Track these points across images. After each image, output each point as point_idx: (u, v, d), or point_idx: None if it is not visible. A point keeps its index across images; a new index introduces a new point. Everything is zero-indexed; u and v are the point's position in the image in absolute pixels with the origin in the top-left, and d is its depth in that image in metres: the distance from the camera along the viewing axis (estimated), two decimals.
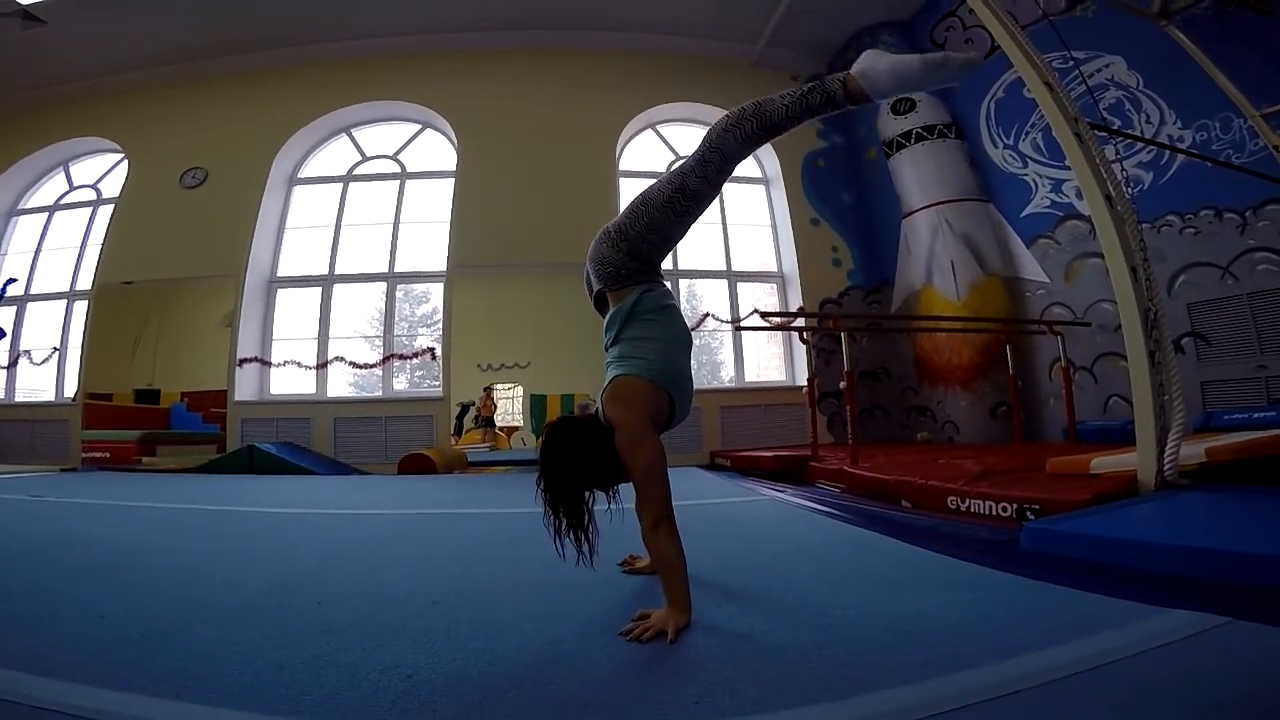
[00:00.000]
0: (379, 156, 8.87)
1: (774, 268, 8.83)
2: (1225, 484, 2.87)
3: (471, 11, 8.30)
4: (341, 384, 8.46)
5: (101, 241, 8.26)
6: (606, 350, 1.66)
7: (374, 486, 5.21)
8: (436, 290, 8.34)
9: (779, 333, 7.82)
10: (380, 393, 8.21)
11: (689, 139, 9.08)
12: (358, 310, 8.88)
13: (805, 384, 5.92)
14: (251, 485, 5.11)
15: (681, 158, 8.91)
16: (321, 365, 7.99)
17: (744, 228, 8.93)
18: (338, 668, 1.18)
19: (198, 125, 8.60)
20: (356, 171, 8.84)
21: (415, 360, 9.01)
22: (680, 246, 1.87)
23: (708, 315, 8.45)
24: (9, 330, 8.51)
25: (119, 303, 8.23)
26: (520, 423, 12.19)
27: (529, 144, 8.29)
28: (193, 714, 1.01)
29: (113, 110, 8.79)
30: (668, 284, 1.74)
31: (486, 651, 1.26)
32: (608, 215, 1.81)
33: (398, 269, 8.35)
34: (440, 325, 7.94)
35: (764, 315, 6.12)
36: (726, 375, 9.29)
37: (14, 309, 8.61)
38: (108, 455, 7.40)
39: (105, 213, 8.54)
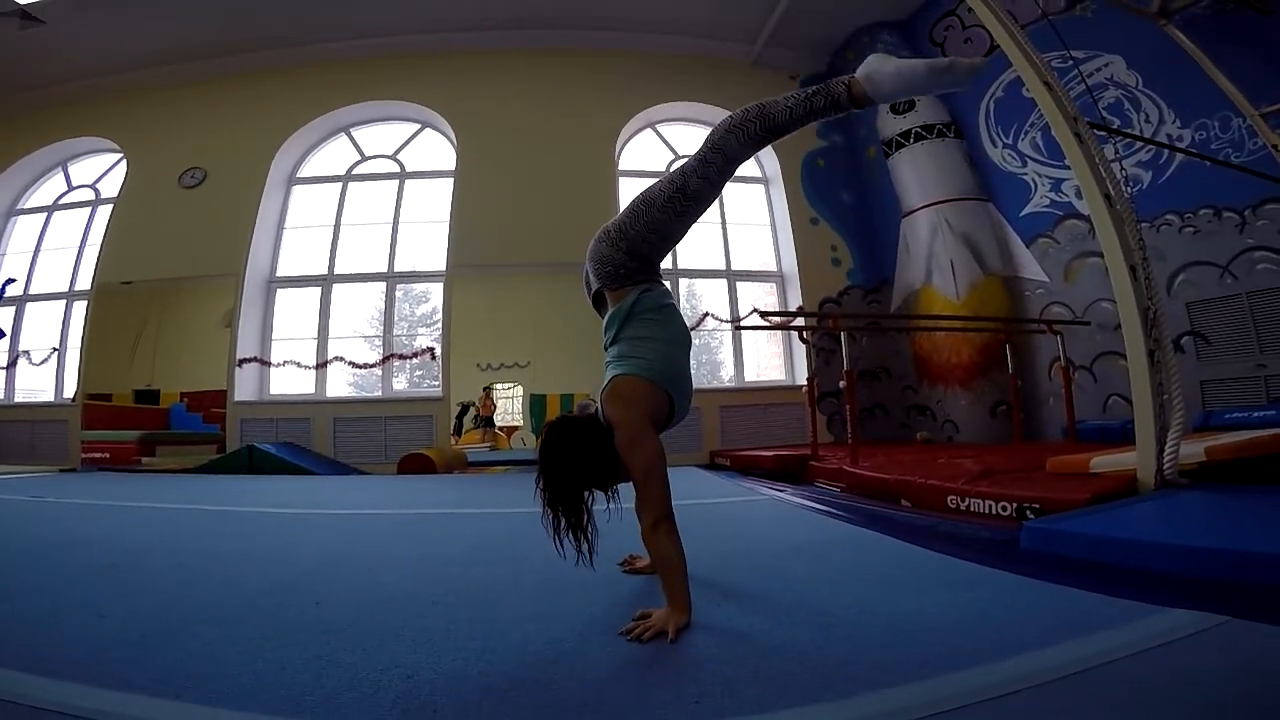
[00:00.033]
0: (378, 156, 8.86)
1: (773, 267, 8.83)
2: (1225, 483, 2.88)
3: (471, 11, 8.29)
4: (341, 384, 8.47)
5: (100, 241, 8.25)
6: (606, 350, 1.66)
7: (374, 486, 5.21)
8: (436, 290, 8.34)
9: (778, 332, 7.82)
10: (380, 393, 8.20)
11: (688, 138, 9.08)
12: (357, 310, 8.88)
13: (805, 383, 5.93)
14: (251, 485, 5.11)
15: (681, 157, 8.93)
16: (321, 365, 7.99)
17: (743, 227, 8.93)
18: (338, 668, 1.18)
19: (197, 125, 8.59)
20: (356, 171, 8.83)
21: (415, 360, 9.01)
22: (680, 246, 1.87)
23: (707, 315, 8.45)
24: (8, 330, 8.50)
25: (118, 303, 8.22)
26: (520, 422, 12.19)
27: (528, 143, 8.29)
28: (193, 714, 1.01)
29: (111, 110, 8.78)
30: (667, 284, 1.74)
31: (487, 651, 1.26)
32: (607, 215, 1.81)
33: (397, 269, 8.35)
34: (440, 325, 7.93)
35: (764, 315, 6.12)
36: (726, 375, 9.30)
37: (13, 309, 8.60)
38: (107, 456, 7.40)
39: (104, 213, 8.53)
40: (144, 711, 1.02)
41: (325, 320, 8.17)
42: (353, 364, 8.16)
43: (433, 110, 8.54)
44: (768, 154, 8.77)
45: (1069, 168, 3.96)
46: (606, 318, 1.68)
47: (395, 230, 8.42)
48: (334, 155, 8.95)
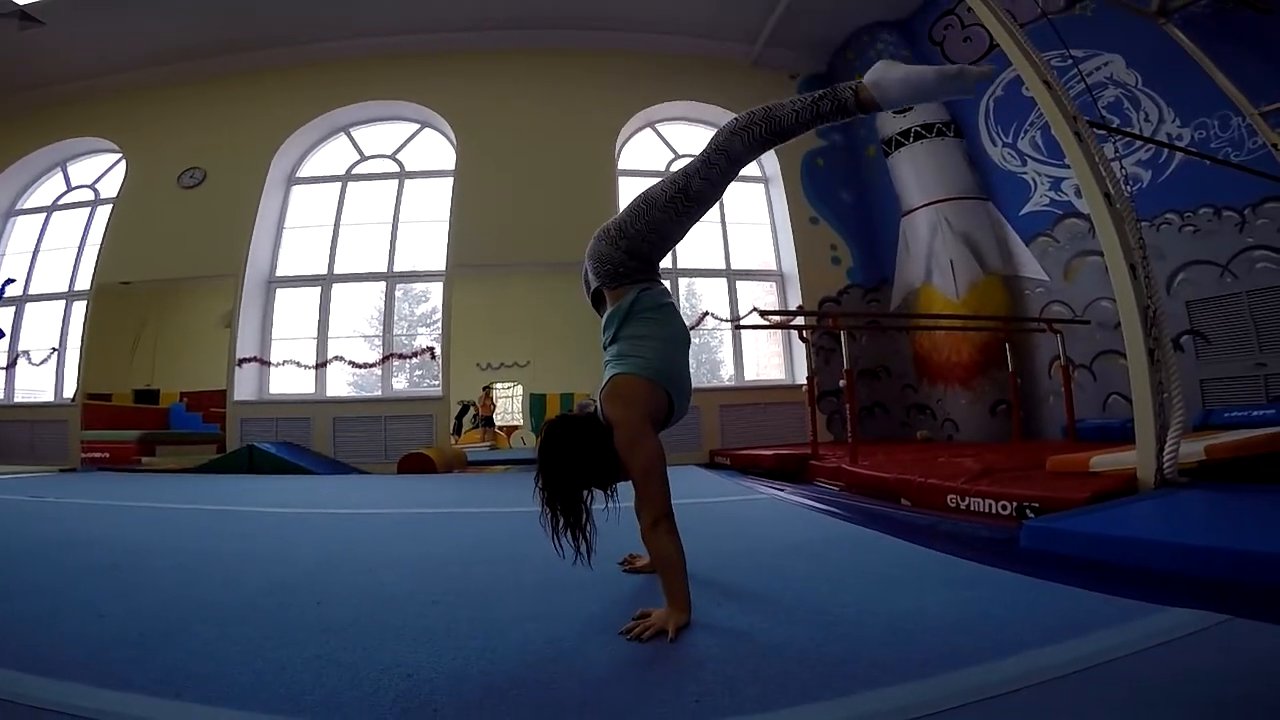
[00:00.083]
0: (377, 156, 8.86)
1: (773, 266, 8.82)
2: (1224, 482, 2.88)
3: (471, 11, 8.29)
4: (341, 384, 8.46)
5: (100, 242, 8.25)
6: (604, 349, 1.66)
7: (373, 486, 5.21)
8: (436, 289, 8.33)
9: (778, 331, 7.81)
10: (380, 392, 8.21)
11: (688, 138, 9.08)
12: (357, 310, 8.89)
13: (805, 382, 5.93)
14: (251, 485, 5.11)
15: (680, 156, 8.93)
16: (321, 365, 7.99)
17: (743, 226, 8.93)
18: (338, 667, 1.18)
19: (196, 125, 8.59)
20: (355, 171, 8.83)
21: (414, 360, 9.01)
22: (679, 245, 1.87)
23: (707, 314, 8.45)
24: (8, 331, 8.50)
25: (118, 303, 8.23)
26: (520, 422, 12.20)
27: (528, 143, 8.29)
28: (193, 714, 1.01)
29: (110, 110, 8.77)
30: (666, 283, 1.74)
31: (487, 650, 1.26)
32: (607, 214, 1.81)
33: (397, 268, 8.35)
34: (439, 324, 7.93)
35: (763, 314, 6.11)
36: (726, 374, 9.30)
37: (12, 309, 8.60)
38: (107, 455, 7.40)
39: (103, 213, 8.53)
40: (144, 711, 1.02)
41: (325, 320, 8.17)
42: (352, 364, 8.16)
43: (432, 110, 8.53)
44: (768, 153, 8.70)
45: (1069, 167, 3.96)
46: (605, 317, 1.67)
47: (395, 230, 8.42)
48: (333, 155, 8.95)
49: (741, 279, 8.70)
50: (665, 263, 1.82)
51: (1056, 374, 6.15)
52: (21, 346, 8.53)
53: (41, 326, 8.61)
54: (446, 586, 1.78)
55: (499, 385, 12.43)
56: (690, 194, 1.60)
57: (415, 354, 8.64)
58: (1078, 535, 2.07)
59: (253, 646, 1.29)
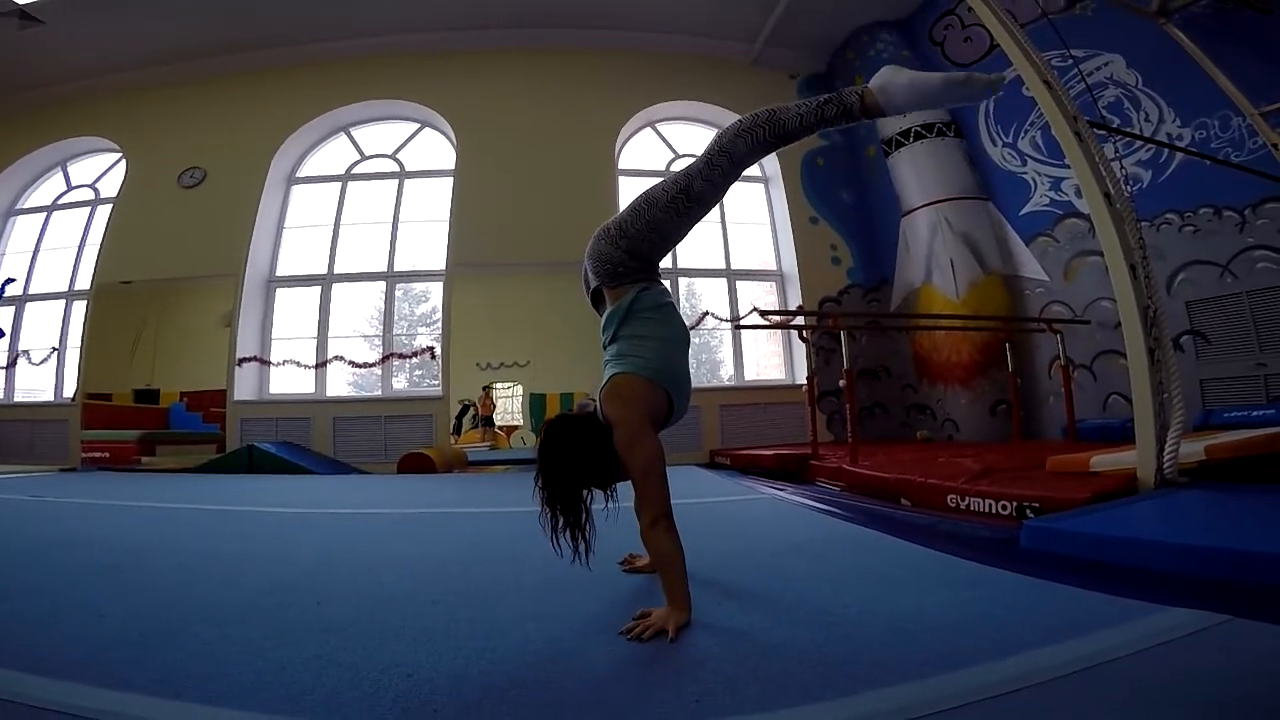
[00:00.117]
0: (377, 155, 8.86)
1: (773, 266, 8.82)
2: (1224, 482, 2.88)
3: (470, 10, 8.28)
4: (341, 383, 8.46)
5: (100, 241, 8.25)
6: (604, 348, 1.66)
7: (373, 486, 5.21)
8: (435, 289, 8.33)
9: (778, 331, 7.81)
10: (380, 392, 8.20)
11: (688, 137, 9.08)
12: (357, 309, 8.88)
13: (805, 382, 5.92)
14: (251, 485, 5.11)
15: (680, 156, 8.93)
16: (321, 365, 7.99)
17: (743, 226, 8.93)
18: (338, 667, 1.18)
19: (196, 124, 8.59)
20: (355, 171, 8.82)
21: (414, 359, 9.01)
22: (679, 245, 1.87)
23: (707, 314, 8.45)
24: (8, 330, 8.49)
25: (117, 302, 8.22)
26: (520, 422, 12.20)
27: (528, 142, 8.28)
28: (193, 714, 1.01)
29: (110, 110, 8.77)
30: (666, 283, 1.74)
31: (487, 650, 1.26)
32: (607, 213, 1.81)
33: (397, 268, 8.35)
34: (439, 324, 7.93)
35: (763, 314, 6.12)
36: (726, 374, 9.29)
37: (12, 309, 8.60)
38: (107, 455, 7.40)
39: (103, 212, 8.53)
40: (144, 711, 1.02)
41: (325, 320, 8.17)
42: (352, 363, 8.16)
43: (432, 109, 8.53)
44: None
45: (1069, 167, 3.96)
46: (605, 316, 1.68)
47: (395, 229, 8.42)
48: (333, 155, 8.95)
49: (741, 279, 8.69)
50: (665, 262, 1.82)
51: (1056, 374, 6.15)
52: (21, 346, 8.53)
53: (41, 326, 8.61)
54: (446, 586, 1.78)
55: (499, 385, 12.43)
56: (692, 195, 1.60)
57: (415, 354, 8.64)
58: (1078, 535, 2.07)
59: (253, 646, 1.29)
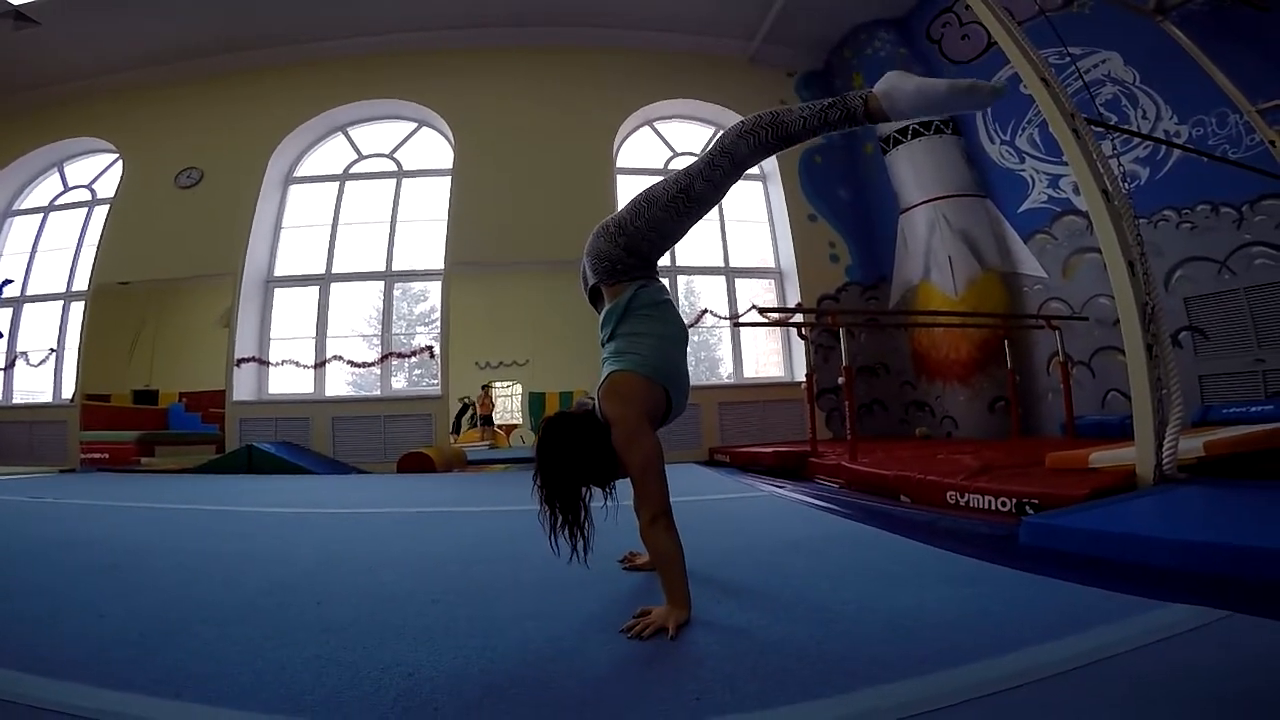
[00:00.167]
0: (375, 155, 8.84)
1: (772, 264, 8.82)
2: (1223, 478, 2.88)
3: (468, 9, 8.27)
4: (340, 383, 8.45)
5: (97, 242, 8.23)
6: (602, 346, 1.66)
7: (373, 485, 5.20)
8: (434, 288, 8.32)
9: (777, 329, 7.81)
10: (379, 391, 8.20)
11: (686, 136, 9.07)
12: (355, 309, 8.87)
13: (804, 380, 5.93)
14: (250, 485, 5.11)
15: (678, 154, 8.92)
16: (319, 364, 7.98)
17: (742, 224, 8.92)
18: (338, 666, 1.18)
19: (193, 125, 8.56)
20: (353, 170, 8.81)
21: (413, 359, 9.00)
22: (678, 243, 1.87)
23: (706, 311, 8.45)
24: (6, 331, 8.48)
25: (116, 303, 8.21)
26: (519, 420, 12.22)
27: (526, 141, 8.27)
28: (193, 714, 1.01)
29: (107, 110, 8.75)
30: (664, 281, 1.74)
31: (487, 649, 1.26)
32: (605, 212, 1.81)
33: (395, 267, 8.33)
34: (438, 323, 7.93)
35: (762, 311, 6.12)
36: (725, 371, 9.29)
37: (10, 310, 8.58)
38: (106, 456, 7.39)
39: (101, 213, 8.51)
40: (144, 711, 1.02)
41: (324, 319, 8.15)
42: (351, 363, 8.15)
43: (430, 109, 8.52)
44: None
45: (1067, 164, 3.96)
46: (603, 314, 1.68)
47: (393, 229, 8.40)
48: (331, 154, 8.93)
49: (740, 276, 8.69)
50: (663, 260, 1.82)
51: (1055, 371, 6.16)
52: (20, 347, 8.51)
53: (39, 327, 8.58)
54: (446, 585, 1.78)
55: (498, 384, 12.45)
56: (692, 195, 1.60)
57: (414, 353, 8.64)
58: (1077, 532, 2.07)
59: (253, 646, 1.29)
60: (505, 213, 7.93)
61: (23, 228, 9.08)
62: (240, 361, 7.68)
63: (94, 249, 8.24)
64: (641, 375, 1.54)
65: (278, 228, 8.48)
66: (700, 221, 1.71)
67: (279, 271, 8.37)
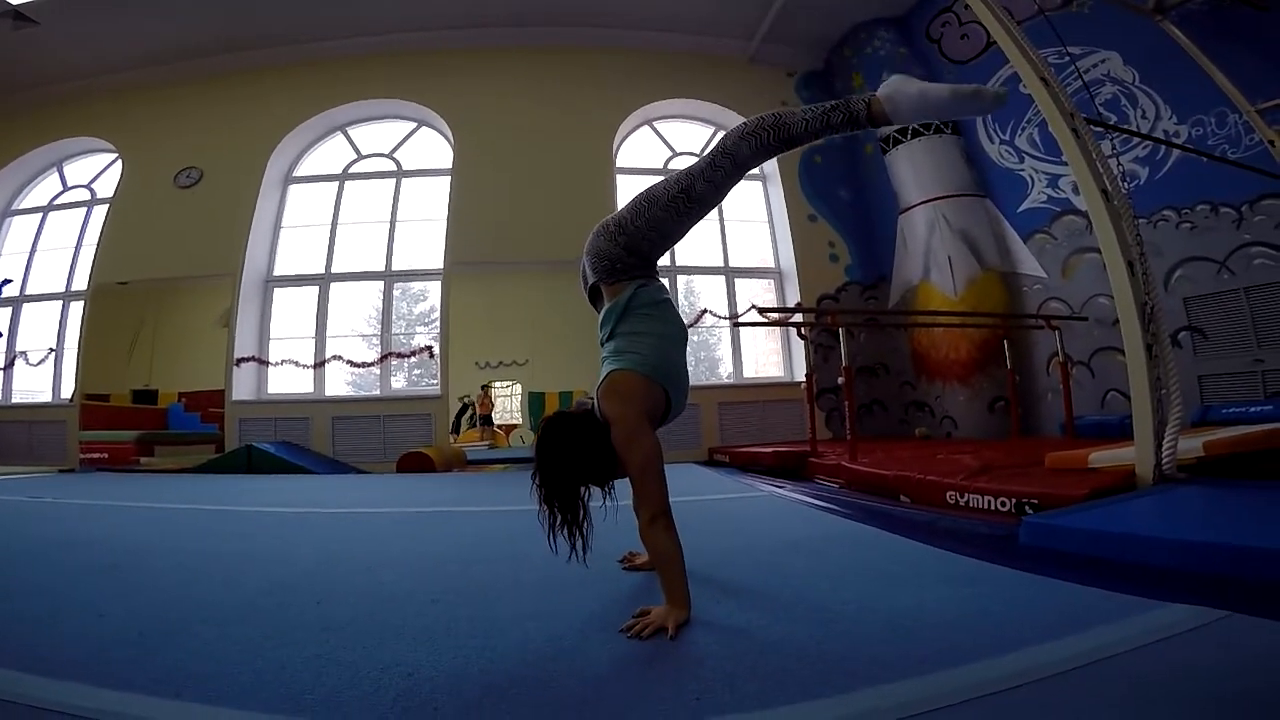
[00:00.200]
0: (374, 155, 8.84)
1: (771, 264, 8.82)
2: (1222, 478, 2.88)
3: (468, 8, 8.26)
4: (339, 383, 8.45)
5: (96, 242, 8.22)
6: (602, 345, 1.66)
7: (373, 485, 5.20)
8: (434, 288, 8.32)
9: (777, 329, 7.81)
10: (378, 391, 8.19)
11: (685, 135, 9.07)
12: (355, 309, 8.87)
13: (803, 380, 5.93)
14: (250, 485, 5.10)
15: (678, 154, 8.92)
16: (319, 364, 7.98)
17: (741, 223, 8.92)
18: (338, 666, 1.18)
19: (192, 124, 8.56)
20: (352, 170, 8.80)
21: (413, 359, 9.00)
22: (678, 243, 1.87)
23: (705, 311, 8.45)
24: (5, 331, 8.47)
25: (115, 303, 8.20)
26: (519, 420, 12.22)
27: (526, 141, 8.27)
28: (193, 714, 1.01)
29: (106, 110, 8.74)
30: (664, 280, 1.74)
31: (487, 649, 1.26)
32: (605, 212, 1.81)
33: (395, 267, 8.33)
34: (438, 323, 7.92)
35: (762, 311, 6.12)
36: (724, 371, 9.30)
37: (9, 310, 8.58)
38: (106, 456, 7.38)
39: (100, 213, 8.50)
40: (144, 711, 1.02)
41: (323, 319, 8.15)
42: (351, 363, 8.14)
43: (429, 108, 8.51)
44: None
45: (1066, 164, 3.96)
46: (602, 313, 1.68)
47: (392, 229, 8.40)
48: (330, 154, 8.92)
49: (740, 276, 8.69)
50: (663, 260, 1.82)
51: (1055, 371, 6.16)
52: (19, 347, 8.50)
53: (39, 327, 8.57)
54: (446, 585, 1.78)
55: (498, 384, 12.45)
56: (693, 195, 1.61)
57: (414, 353, 8.63)
58: (1077, 531, 2.07)
59: (253, 646, 1.29)
60: (505, 212, 7.92)
61: (22, 227, 9.07)
62: (240, 361, 7.67)
63: (93, 249, 8.23)
64: (641, 374, 1.54)
65: (277, 227, 8.47)
66: (700, 221, 1.72)
67: (278, 271, 8.36)
